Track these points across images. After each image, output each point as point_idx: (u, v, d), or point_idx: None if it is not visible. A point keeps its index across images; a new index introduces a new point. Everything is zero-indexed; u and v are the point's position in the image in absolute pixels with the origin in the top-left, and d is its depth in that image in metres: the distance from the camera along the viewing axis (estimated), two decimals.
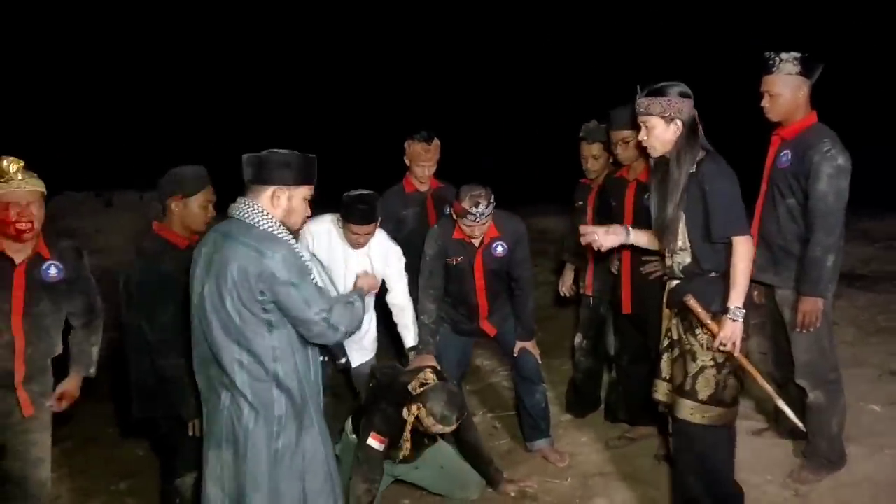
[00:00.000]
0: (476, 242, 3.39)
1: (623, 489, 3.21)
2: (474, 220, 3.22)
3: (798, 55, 2.94)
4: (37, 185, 2.71)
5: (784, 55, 2.95)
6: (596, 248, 2.86)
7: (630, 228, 2.87)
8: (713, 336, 2.56)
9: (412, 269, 3.55)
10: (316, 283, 2.30)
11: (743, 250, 2.53)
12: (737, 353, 2.56)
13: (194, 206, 2.83)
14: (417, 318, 3.51)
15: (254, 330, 2.19)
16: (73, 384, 2.90)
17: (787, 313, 3.09)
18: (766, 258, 3.14)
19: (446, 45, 14.14)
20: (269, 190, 2.26)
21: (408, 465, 3.26)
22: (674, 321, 2.71)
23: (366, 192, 3.24)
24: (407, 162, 3.83)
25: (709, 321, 2.57)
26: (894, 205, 7.11)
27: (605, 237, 2.82)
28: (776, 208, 3.07)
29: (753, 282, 3.25)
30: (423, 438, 3.14)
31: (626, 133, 3.25)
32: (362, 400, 3.28)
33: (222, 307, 2.18)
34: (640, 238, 2.87)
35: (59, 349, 2.87)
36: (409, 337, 3.51)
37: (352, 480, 3.04)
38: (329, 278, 3.39)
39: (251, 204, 2.25)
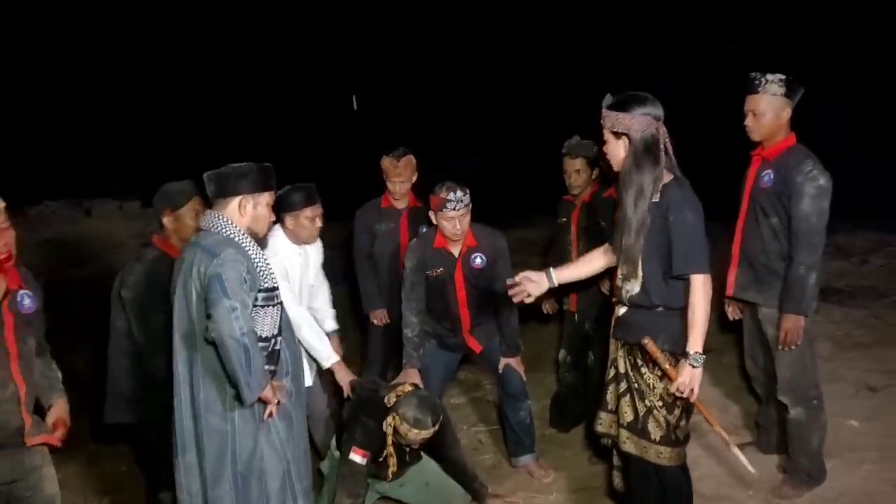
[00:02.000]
0: (455, 252, 3.42)
1: None
2: (454, 209, 3.26)
3: (783, 77, 3.00)
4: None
5: (770, 76, 3.00)
6: (525, 301, 2.76)
7: (552, 272, 2.78)
8: (670, 380, 2.49)
9: (382, 284, 3.84)
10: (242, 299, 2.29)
11: (701, 290, 2.43)
12: (693, 399, 2.50)
13: (185, 218, 2.95)
14: (402, 331, 3.53)
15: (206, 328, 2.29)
16: (63, 410, 2.63)
17: (769, 331, 3.14)
18: (748, 276, 3.20)
19: (437, 56, 14.23)
20: (236, 200, 2.42)
21: (393, 482, 3.27)
22: (620, 353, 2.65)
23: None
24: (384, 178, 3.87)
25: (667, 366, 2.49)
26: (867, 220, 7.25)
27: (528, 285, 2.73)
28: (759, 227, 3.11)
29: (735, 300, 3.33)
30: (405, 454, 3.16)
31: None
32: (343, 417, 3.30)
33: (186, 309, 2.34)
34: (564, 276, 2.80)
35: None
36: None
37: (336, 496, 3.06)
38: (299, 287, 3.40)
39: (217, 215, 2.41)
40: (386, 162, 3.82)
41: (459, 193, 3.26)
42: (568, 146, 3.70)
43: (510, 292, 2.77)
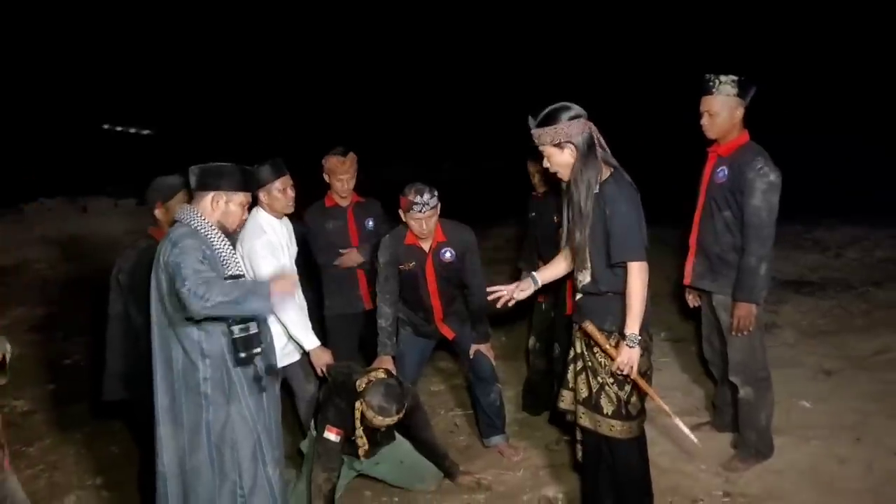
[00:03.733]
0: (425, 247, 3.59)
1: (571, 480, 3.40)
2: (420, 211, 3.40)
3: (736, 78, 3.15)
4: None
5: (723, 77, 3.16)
6: (509, 304, 2.89)
7: (534, 275, 2.93)
8: (611, 359, 2.66)
9: (337, 278, 3.95)
10: (202, 269, 2.42)
11: (637, 276, 2.57)
12: (633, 376, 2.65)
13: (174, 209, 3.06)
14: (376, 321, 3.70)
15: (182, 311, 2.46)
16: None
17: (722, 316, 3.33)
18: (703, 266, 3.38)
19: (430, 63, 14.36)
20: (210, 195, 2.60)
21: (369, 460, 3.46)
22: (577, 335, 2.82)
23: None
24: (326, 178, 3.97)
25: (607, 346, 2.67)
26: (847, 216, 7.44)
27: (518, 293, 2.88)
28: (713, 220, 3.28)
29: (692, 287, 3.53)
30: (376, 435, 3.34)
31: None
32: (319, 398, 3.49)
33: (158, 293, 2.52)
34: (546, 276, 2.94)
35: None
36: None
37: (312, 471, 3.25)
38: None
39: (190, 209, 2.60)
40: (333, 161, 3.90)
41: (427, 196, 3.40)
42: (529, 148, 3.83)
43: (495, 296, 2.90)
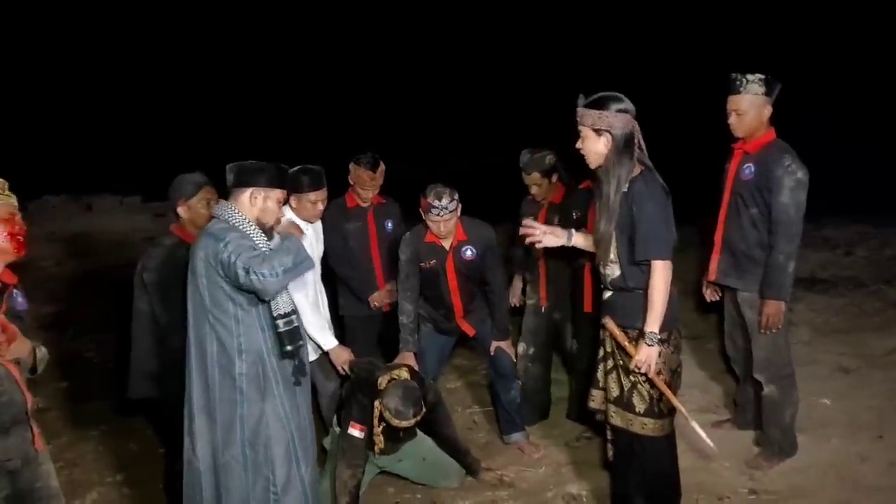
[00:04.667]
0: (446, 245, 3.59)
1: (594, 477, 3.41)
2: (438, 215, 3.40)
3: (762, 76, 3.15)
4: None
5: (750, 76, 3.16)
6: (536, 246, 2.91)
7: (573, 232, 2.91)
8: (629, 357, 2.66)
9: (358, 281, 3.95)
10: (253, 252, 2.47)
11: (660, 275, 2.57)
12: (651, 375, 2.64)
13: (197, 207, 3.12)
14: (398, 318, 3.71)
15: (220, 307, 2.50)
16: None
17: (747, 314, 3.32)
18: (728, 263, 3.37)
19: (435, 59, 14.35)
20: (248, 192, 2.62)
21: (392, 457, 3.46)
22: (607, 333, 2.80)
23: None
24: (350, 181, 3.94)
25: (626, 343, 2.67)
26: (855, 214, 7.46)
27: (545, 237, 2.87)
28: (739, 217, 3.28)
29: (717, 284, 3.52)
30: (397, 432, 3.35)
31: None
32: (342, 394, 3.49)
33: (197, 288, 2.53)
34: (580, 240, 2.91)
35: None
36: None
37: (337, 467, 3.25)
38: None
39: (228, 205, 2.61)
40: (361, 172, 3.84)
41: (445, 201, 3.38)
42: (522, 161, 3.72)
43: (525, 231, 2.90)
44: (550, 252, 3.65)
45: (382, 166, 3.88)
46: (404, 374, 3.32)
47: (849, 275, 6.01)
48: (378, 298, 4.01)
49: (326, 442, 3.56)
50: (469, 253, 3.61)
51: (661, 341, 2.64)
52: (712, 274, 3.46)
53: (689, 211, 4.62)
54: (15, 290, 2.50)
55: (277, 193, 2.67)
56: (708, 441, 2.75)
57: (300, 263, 2.51)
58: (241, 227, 2.56)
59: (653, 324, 2.60)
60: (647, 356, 2.62)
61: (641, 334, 2.64)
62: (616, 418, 2.80)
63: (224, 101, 14.24)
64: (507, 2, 14.84)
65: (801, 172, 3.11)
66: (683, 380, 4.12)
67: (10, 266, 2.48)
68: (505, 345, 3.77)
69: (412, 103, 13.95)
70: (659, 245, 2.58)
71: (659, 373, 2.66)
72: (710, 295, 3.61)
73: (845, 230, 7.14)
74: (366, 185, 3.87)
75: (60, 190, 10.10)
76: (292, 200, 3.40)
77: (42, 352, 2.55)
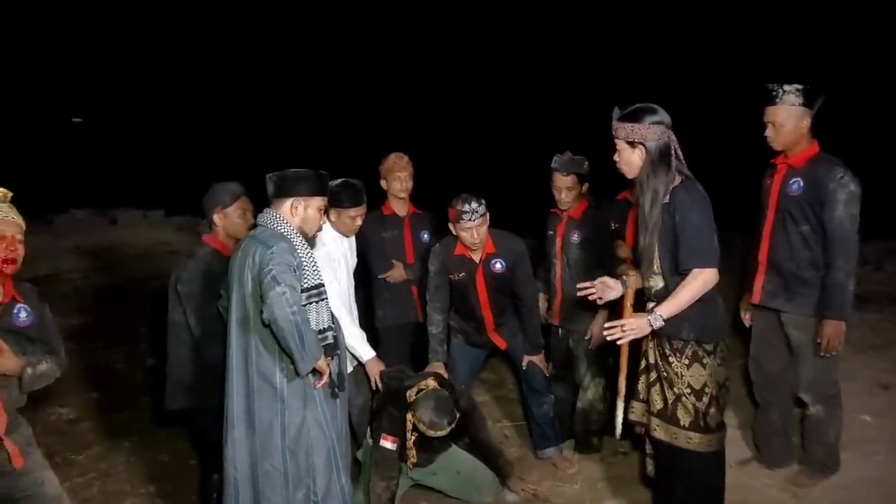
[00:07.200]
0: (476, 258, 3.57)
1: (631, 492, 3.36)
2: (470, 219, 3.39)
3: (800, 86, 3.03)
4: (21, 219, 2.51)
5: (787, 86, 3.05)
6: (619, 342, 2.69)
7: (626, 280, 2.83)
8: (622, 315, 2.65)
9: (390, 289, 3.94)
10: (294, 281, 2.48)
11: (699, 278, 2.52)
12: (622, 342, 2.63)
13: (233, 216, 3.13)
14: (427, 329, 3.71)
15: (261, 313, 2.46)
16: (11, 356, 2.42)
17: (795, 335, 3.19)
18: (776, 284, 3.20)
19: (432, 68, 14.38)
20: (289, 201, 2.63)
21: (425, 470, 3.44)
22: (650, 344, 2.73)
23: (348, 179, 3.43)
24: (383, 184, 3.94)
25: (629, 304, 2.69)
26: (882, 229, 7.36)
27: (606, 291, 2.81)
28: (788, 235, 3.13)
29: (761, 307, 3.31)
30: (430, 441, 3.32)
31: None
32: (373, 406, 3.48)
33: (242, 294, 2.53)
34: (634, 281, 2.82)
35: (23, 401, 2.58)
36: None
37: (371, 480, 3.23)
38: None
39: (273, 213, 2.63)
40: (391, 159, 3.88)
41: (474, 205, 3.40)
42: (559, 162, 3.62)
43: (584, 293, 2.85)
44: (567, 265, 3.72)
45: (407, 157, 3.92)
46: (432, 383, 3.30)
47: (881, 290, 5.95)
48: (394, 275, 3.95)
49: (360, 454, 3.53)
50: (499, 266, 3.60)
51: (708, 353, 2.60)
52: (756, 296, 3.29)
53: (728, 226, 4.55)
54: (19, 305, 2.50)
55: (318, 201, 2.69)
56: (618, 428, 2.82)
57: (301, 346, 2.43)
58: (287, 235, 2.57)
59: (667, 308, 2.55)
60: (637, 325, 2.58)
61: (686, 345, 2.60)
62: (659, 431, 2.74)
63: (245, 117, 14.36)
64: (537, 17, 14.86)
65: (853, 185, 2.99)
66: None
67: (35, 280, 2.47)
68: (537, 359, 3.74)
69: (427, 116, 13.96)
70: (704, 254, 2.53)
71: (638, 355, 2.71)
72: (748, 319, 3.45)
73: (872, 246, 7.04)
74: (395, 169, 3.87)
75: (85, 204, 10.20)
76: (331, 214, 3.41)
77: (29, 373, 2.46)
